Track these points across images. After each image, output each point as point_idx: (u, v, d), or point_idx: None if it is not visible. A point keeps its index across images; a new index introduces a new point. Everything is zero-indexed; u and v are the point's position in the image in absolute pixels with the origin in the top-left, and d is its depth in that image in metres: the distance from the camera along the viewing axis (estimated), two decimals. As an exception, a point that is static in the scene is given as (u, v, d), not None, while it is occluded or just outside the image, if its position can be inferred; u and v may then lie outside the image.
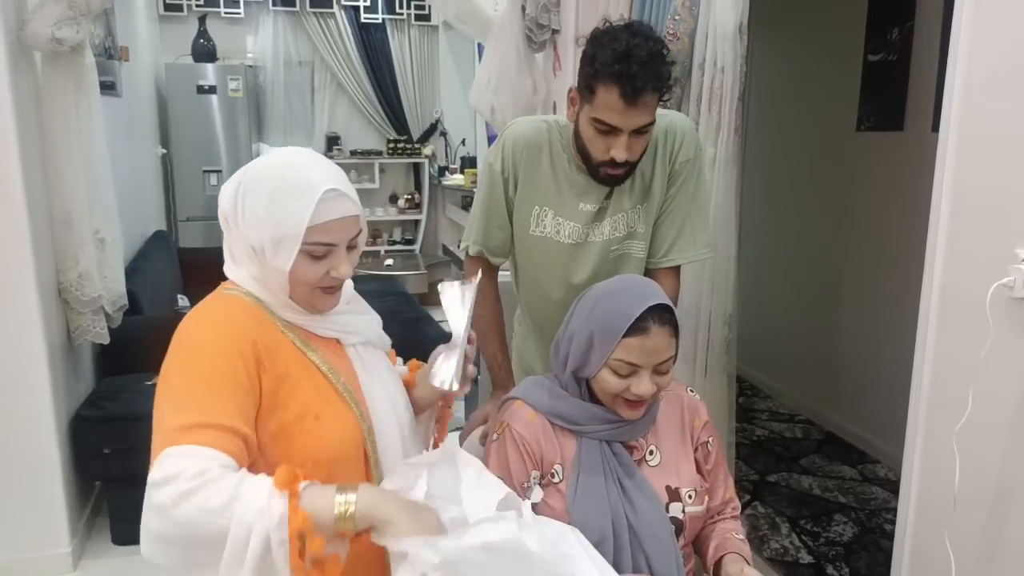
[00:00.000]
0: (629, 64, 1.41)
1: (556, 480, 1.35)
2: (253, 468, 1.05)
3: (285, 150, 1.21)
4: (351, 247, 1.21)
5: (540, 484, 1.36)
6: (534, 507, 1.30)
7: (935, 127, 2.96)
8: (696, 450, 1.44)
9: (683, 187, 1.67)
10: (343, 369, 1.25)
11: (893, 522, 2.87)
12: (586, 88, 1.50)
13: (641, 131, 1.51)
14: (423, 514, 1.03)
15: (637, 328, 1.28)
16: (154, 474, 0.98)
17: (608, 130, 1.50)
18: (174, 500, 0.95)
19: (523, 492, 1.34)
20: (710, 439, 1.46)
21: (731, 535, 1.42)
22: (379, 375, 1.30)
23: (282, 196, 1.13)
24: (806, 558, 2.70)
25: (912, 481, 1.59)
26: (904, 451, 1.60)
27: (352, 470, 1.20)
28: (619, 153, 1.51)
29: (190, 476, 0.96)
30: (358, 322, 1.32)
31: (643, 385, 1.29)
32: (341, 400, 1.21)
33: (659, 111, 1.55)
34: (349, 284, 1.31)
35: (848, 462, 3.45)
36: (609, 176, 1.59)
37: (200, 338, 1.13)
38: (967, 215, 1.47)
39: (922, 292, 1.55)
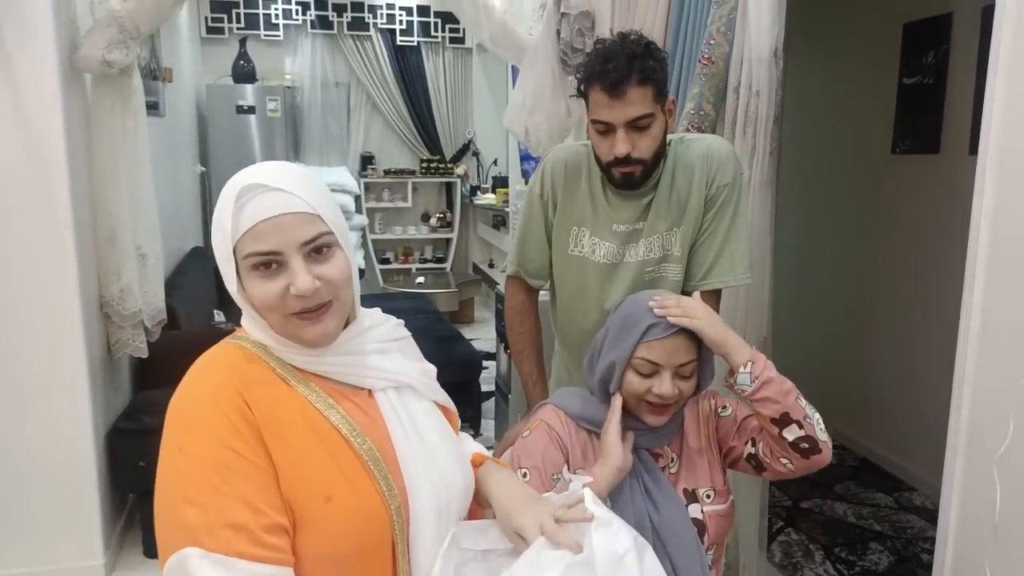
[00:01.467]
0: (608, 62, 1.49)
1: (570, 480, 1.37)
2: None
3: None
4: (315, 252, 0.94)
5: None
6: None
7: (972, 150, 2.95)
8: (719, 430, 1.44)
9: (721, 211, 1.67)
10: (370, 428, 0.99)
11: (930, 552, 2.82)
12: (582, 97, 1.58)
13: (639, 126, 1.53)
14: None
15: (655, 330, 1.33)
16: None
17: (604, 128, 1.55)
18: None
19: (552, 483, 1.36)
20: (724, 405, 1.46)
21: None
22: (419, 430, 1.03)
23: (217, 214, 0.94)
24: (840, 587, 2.66)
25: (951, 508, 1.56)
26: (943, 478, 1.57)
27: (370, 568, 0.95)
28: (618, 148, 1.53)
29: None
30: (390, 364, 1.06)
31: (664, 385, 1.32)
32: (363, 471, 0.95)
33: (698, 135, 1.56)
34: (388, 326, 1.12)
35: (883, 489, 3.39)
36: (622, 176, 1.60)
37: (190, 412, 0.92)
38: (1007, 239, 1.45)
39: (961, 316, 1.53)
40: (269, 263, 0.92)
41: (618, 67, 1.47)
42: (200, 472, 0.88)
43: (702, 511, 1.37)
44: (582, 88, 1.57)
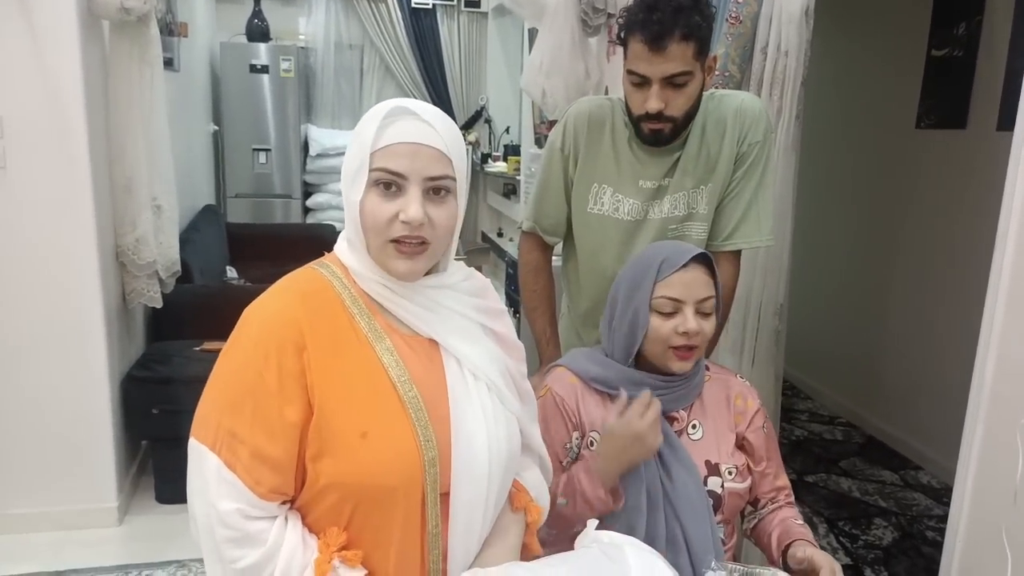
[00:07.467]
0: (652, 12, 1.43)
1: (594, 448, 1.37)
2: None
3: None
4: (434, 191, 0.99)
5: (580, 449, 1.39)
6: (576, 460, 1.37)
7: (1000, 126, 2.90)
8: (745, 435, 1.43)
9: (751, 169, 1.64)
10: (424, 379, 1.02)
11: (935, 529, 2.82)
12: (620, 43, 1.53)
13: (676, 83, 1.49)
14: None
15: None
16: (209, 493, 0.95)
17: (640, 81, 1.51)
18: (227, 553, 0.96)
19: (566, 452, 1.39)
20: (764, 424, 1.46)
21: (791, 522, 1.42)
22: (478, 394, 1.05)
23: (360, 128, 0.99)
24: (843, 559, 2.67)
25: (968, 473, 1.55)
26: (961, 443, 1.57)
27: (396, 507, 0.98)
28: (651, 103, 1.50)
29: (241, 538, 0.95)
30: (469, 348, 1.07)
31: (689, 321, 1.31)
32: (404, 416, 0.98)
33: (730, 92, 1.53)
34: (490, 294, 1.14)
35: (889, 467, 3.40)
36: (651, 132, 1.57)
37: (247, 322, 1.00)
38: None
39: (988, 287, 1.52)
40: (391, 184, 0.97)
41: (662, 19, 1.41)
42: (226, 378, 0.98)
43: (722, 486, 1.36)
44: (622, 35, 1.52)
